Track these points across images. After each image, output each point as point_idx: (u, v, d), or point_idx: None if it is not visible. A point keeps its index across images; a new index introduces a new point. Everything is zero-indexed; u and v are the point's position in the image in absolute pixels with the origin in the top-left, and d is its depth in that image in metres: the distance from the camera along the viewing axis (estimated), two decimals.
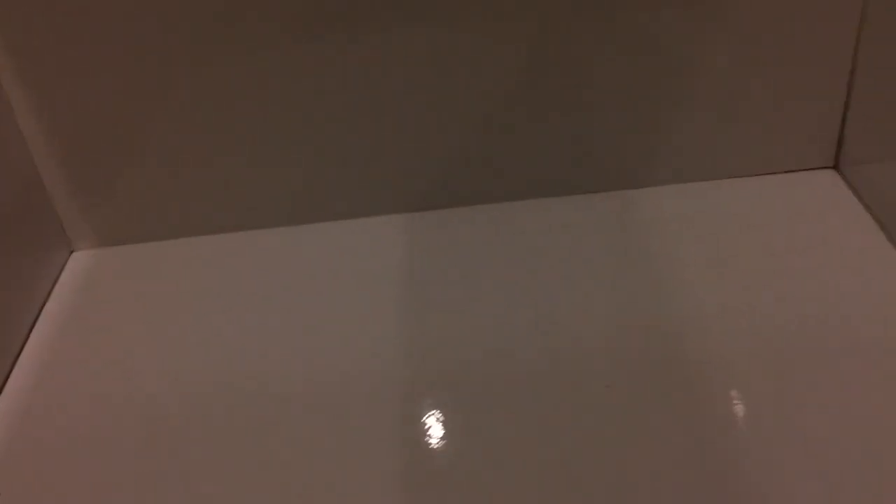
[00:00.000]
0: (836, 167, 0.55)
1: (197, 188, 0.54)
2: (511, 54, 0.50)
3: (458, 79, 0.51)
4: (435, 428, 0.41)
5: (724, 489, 0.37)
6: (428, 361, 0.45)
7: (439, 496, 0.38)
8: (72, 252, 0.55)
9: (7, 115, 0.49)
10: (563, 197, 0.55)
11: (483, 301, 0.48)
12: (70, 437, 0.43)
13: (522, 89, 0.51)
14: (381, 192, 0.55)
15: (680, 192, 0.54)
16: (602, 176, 0.55)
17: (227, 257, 0.54)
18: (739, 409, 0.41)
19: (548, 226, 0.53)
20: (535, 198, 0.55)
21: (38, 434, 0.43)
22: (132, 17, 0.47)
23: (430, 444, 0.41)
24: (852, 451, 0.38)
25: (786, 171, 0.54)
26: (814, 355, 0.43)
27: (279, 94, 0.50)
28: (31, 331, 0.49)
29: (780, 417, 0.40)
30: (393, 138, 0.53)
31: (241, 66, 0.49)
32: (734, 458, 0.38)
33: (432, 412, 0.42)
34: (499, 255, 0.51)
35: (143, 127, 0.51)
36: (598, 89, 0.51)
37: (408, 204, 0.55)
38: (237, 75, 0.50)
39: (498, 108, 0.52)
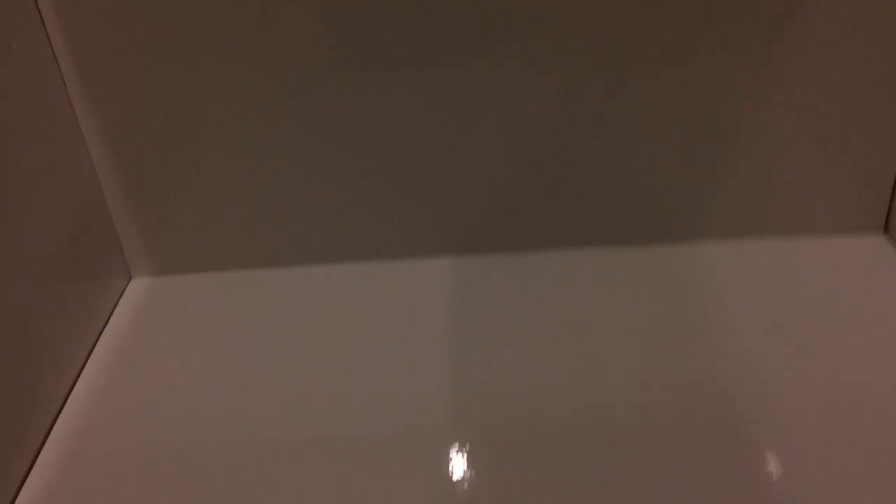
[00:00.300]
0: (886, 231, 0.55)
1: (255, 221, 0.56)
2: (561, 102, 0.51)
3: (507, 125, 0.52)
4: (467, 484, 0.42)
5: None
6: (464, 413, 0.46)
7: None
8: (131, 279, 0.58)
9: (79, 141, 0.52)
10: (608, 248, 0.56)
11: (523, 353, 0.49)
12: (119, 467, 0.44)
13: (573, 138, 0.52)
14: (427, 234, 0.56)
15: (726, 247, 0.55)
16: (650, 228, 0.55)
17: (280, 292, 0.55)
18: (779, 476, 0.41)
19: (592, 277, 0.54)
20: (580, 247, 0.56)
21: (91, 459, 0.45)
22: (198, 59, 0.49)
23: (462, 500, 0.41)
24: None
25: (834, 232, 0.55)
26: (856, 424, 0.43)
27: (332, 135, 0.52)
28: (89, 355, 0.51)
29: (820, 486, 0.40)
30: (440, 180, 0.54)
31: (297, 106, 0.51)
32: None
33: (466, 468, 0.42)
34: (542, 305, 0.52)
35: (205, 159, 0.53)
36: (649, 141, 0.52)
37: (452, 247, 0.57)
38: (292, 114, 0.51)
39: (546, 154, 0.53)
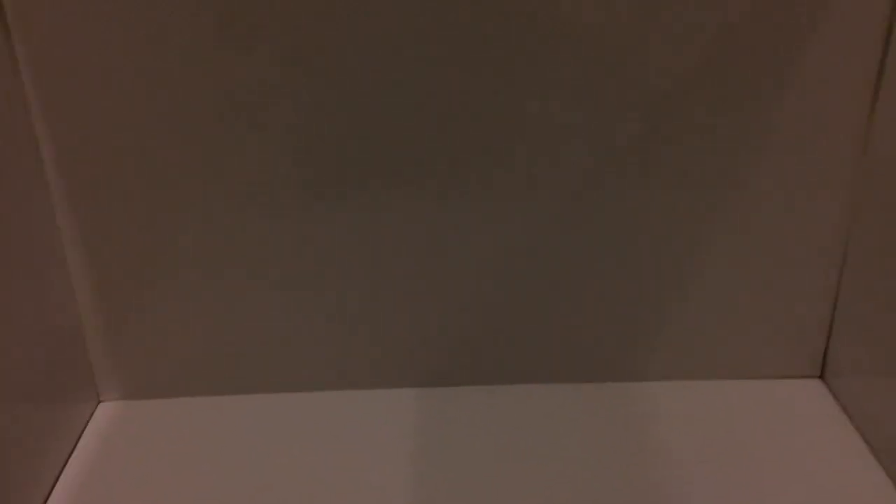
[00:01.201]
0: (822, 377, 0.58)
1: (228, 347, 0.57)
2: (522, 247, 0.54)
3: (472, 263, 0.55)
4: None
5: None
6: None
7: None
8: (99, 402, 0.59)
9: (61, 265, 0.53)
10: (565, 384, 0.58)
11: (483, 487, 0.51)
12: None
13: (533, 282, 0.56)
14: (388, 364, 0.58)
15: (668, 390, 0.58)
16: (603, 367, 0.58)
17: (249, 419, 0.57)
18: None
19: (549, 412, 0.56)
20: (539, 382, 0.59)
21: None
22: (177, 185, 0.52)
23: None
24: None
25: (774, 377, 0.58)
26: None
27: (304, 260, 0.54)
28: (56, 481, 0.52)
29: None
30: (407, 313, 0.57)
31: (271, 231, 0.53)
32: None
33: None
34: (500, 439, 0.54)
35: (179, 287, 0.55)
36: (601, 289, 0.55)
37: (420, 378, 0.59)
38: (267, 239, 0.54)
39: (508, 296, 0.56)
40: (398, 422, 0.56)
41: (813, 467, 0.51)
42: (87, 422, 0.57)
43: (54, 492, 0.51)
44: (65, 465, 0.53)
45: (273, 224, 0.53)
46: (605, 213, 0.53)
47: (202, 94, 0.49)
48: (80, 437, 0.56)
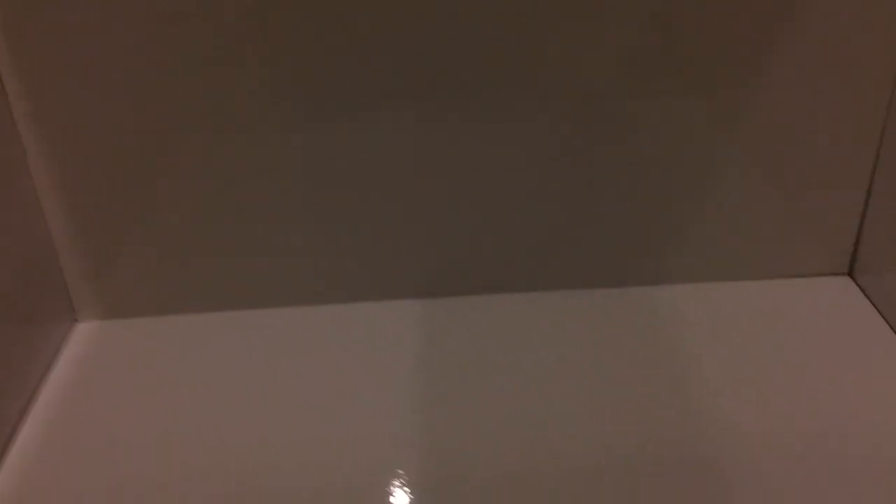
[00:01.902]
0: (850, 274, 0.55)
1: (208, 264, 0.53)
2: (532, 147, 0.50)
3: (477, 168, 0.51)
4: None
5: None
6: (434, 462, 0.43)
7: None
8: (76, 322, 0.54)
9: (28, 182, 0.49)
10: (578, 290, 0.55)
11: (498, 398, 0.47)
12: None
13: (541, 182, 0.52)
14: (394, 276, 0.54)
15: (695, 291, 0.54)
16: (618, 271, 0.55)
17: (235, 336, 0.53)
18: None
19: (564, 320, 0.53)
20: (551, 290, 0.55)
21: None
22: (153, 94, 0.47)
23: None
24: None
25: (800, 276, 0.55)
26: (831, 468, 0.42)
27: (292, 174, 0.50)
28: (31, 401, 0.48)
29: None
30: (408, 222, 0.53)
31: (254, 144, 0.49)
32: None
33: None
34: (512, 349, 0.51)
35: (156, 201, 0.51)
36: (618, 186, 0.52)
37: (421, 289, 0.55)
38: (251, 154, 0.49)
39: (516, 198, 0.52)
40: (400, 333, 0.52)
41: (845, 363, 0.48)
42: (64, 342, 0.52)
43: (29, 412, 0.47)
44: (40, 386, 0.49)
45: (264, 137, 0.49)
46: (621, 114, 0.49)
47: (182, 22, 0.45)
48: (55, 358, 0.51)
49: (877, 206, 0.52)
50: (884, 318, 0.51)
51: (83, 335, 0.53)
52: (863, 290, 0.54)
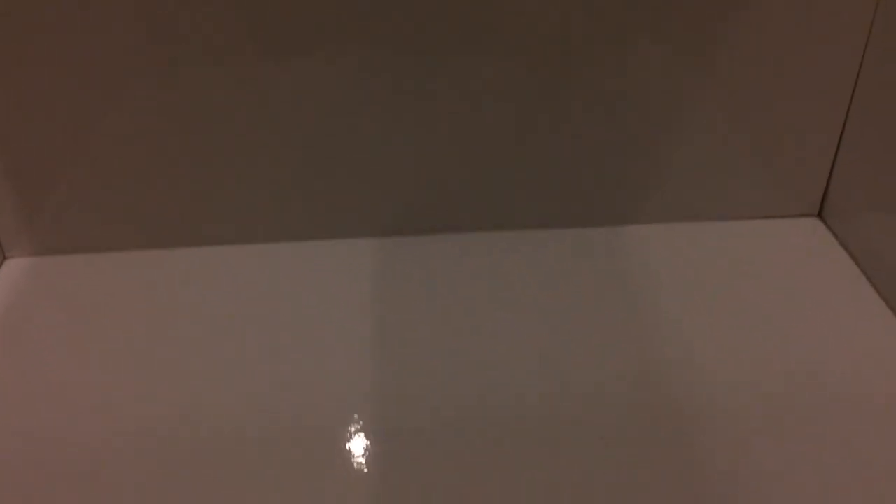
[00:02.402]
0: (819, 215, 0.54)
1: (149, 200, 0.49)
2: (498, 83, 0.47)
3: (439, 103, 0.48)
4: (395, 481, 0.37)
5: None
6: (392, 404, 0.41)
7: None
8: (5, 259, 0.50)
9: None
10: (544, 230, 0.53)
11: (457, 339, 0.45)
12: None
13: (507, 118, 0.49)
14: (353, 214, 0.51)
15: (665, 231, 0.53)
16: (585, 210, 0.53)
17: (177, 274, 0.49)
18: (732, 461, 0.38)
19: (528, 259, 0.51)
20: (516, 229, 0.53)
21: None
22: (86, 21, 0.43)
23: (394, 500, 0.37)
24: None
25: (770, 217, 0.53)
26: (801, 406, 0.41)
27: (241, 111, 0.47)
28: None
29: (773, 469, 0.38)
30: (366, 160, 0.50)
31: (201, 81, 0.46)
32: None
33: (392, 463, 0.38)
34: (475, 289, 0.48)
35: (90, 137, 0.47)
36: (585, 123, 0.49)
37: (381, 228, 0.52)
38: (197, 86, 0.46)
39: (481, 135, 0.49)
40: (355, 272, 0.49)
41: (813, 304, 0.47)
42: None
43: None
44: None
45: (204, 74, 0.45)
46: (588, 53, 0.47)
47: None
48: None
49: (848, 148, 0.51)
50: (853, 259, 0.50)
51: (12, 271, 0.49)
52: (832, 232, 0.52)
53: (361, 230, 0.52)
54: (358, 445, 0.39)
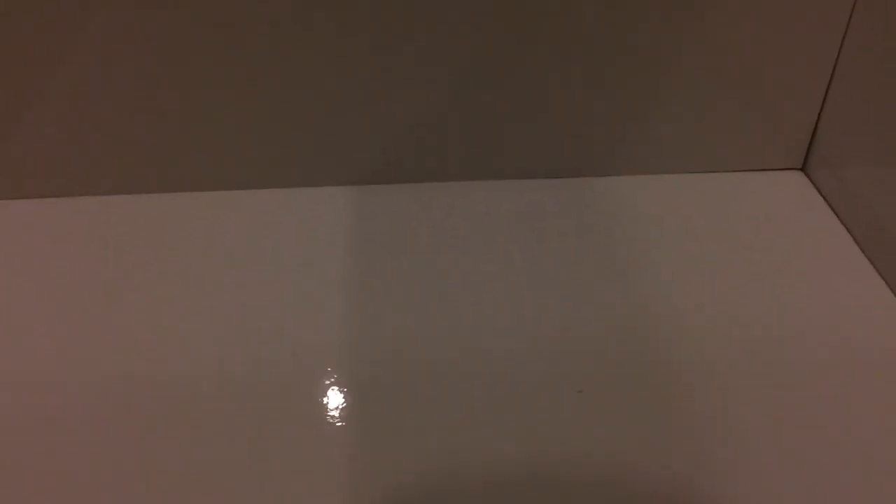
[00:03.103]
0: (803, 169, 0.53)
1: (113, 144, 0.48)
2: (475, 30, 0.46)
3: (416, 49, 0.46)
4: (373, 435, 0.37)
5: (704, 498, 0.34)
6: (367, 354, 0.41)
7: None
8: None
9: None
10: (526, 180, 0.52)
11: (435, 290, 0.44)
12: None
13: (485, 66, 0.48)
14: (328, 162, 0.50)
15: (647, 183, 0.52)
16: (567, 161, 0.52)
17: (147, 221, 0.48)
18: (713, 414, 0.38)
19: (509, 210, 0.50)
20: (495, 179, 0.52)
21: None
22: None
23: (368, 452, 0.36)
24: (830, 455, 0.36)
25: (754, 170, 0.53)
26: (783, 358, 0.41)
27: (211, 50, 0.45)
28: None
29: (754, 421, 0.38)
30: (341, 107, 0.48)
31: (172, 17, 0.44)
32: (710, 465, 0.35)
33: (370, 417, 0.38)
34: (454, 241, 0.47)
35: (52, 80, 0.45)
36: (568, 73, 0.48)
37: (359, 176, 0.51)
38: (167, 27, 0.44)
39: (460, 82, 0.48)
40: (337, 220, 0.49)
41: (796, 257, 0.47)
42: None
43: None
44: None
45: (175, 13, 0.44)
46: (574, 5, 0.45)
47: None
48: None
49: (833, 102, 0.50)
50: (835, 213, 0.50)
51: None
52: (815, 186, 0.52)
53: (338, 178, 0.51)
54: (331, 397, 0.38)
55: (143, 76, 0.46)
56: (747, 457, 0.36)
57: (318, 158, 0.50)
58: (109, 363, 0.40)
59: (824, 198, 0.51)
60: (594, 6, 0.46)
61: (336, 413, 0.38)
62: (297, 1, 0.44)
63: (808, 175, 0.53)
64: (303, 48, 0.46)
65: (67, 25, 0.43)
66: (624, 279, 0.45)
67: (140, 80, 0.46)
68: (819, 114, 0.51)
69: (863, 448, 0.36)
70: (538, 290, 0.44)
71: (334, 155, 0.50)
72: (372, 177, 0.51)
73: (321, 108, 0.48)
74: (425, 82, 0.48)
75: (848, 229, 0.49)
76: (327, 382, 0.39)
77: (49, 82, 0.45)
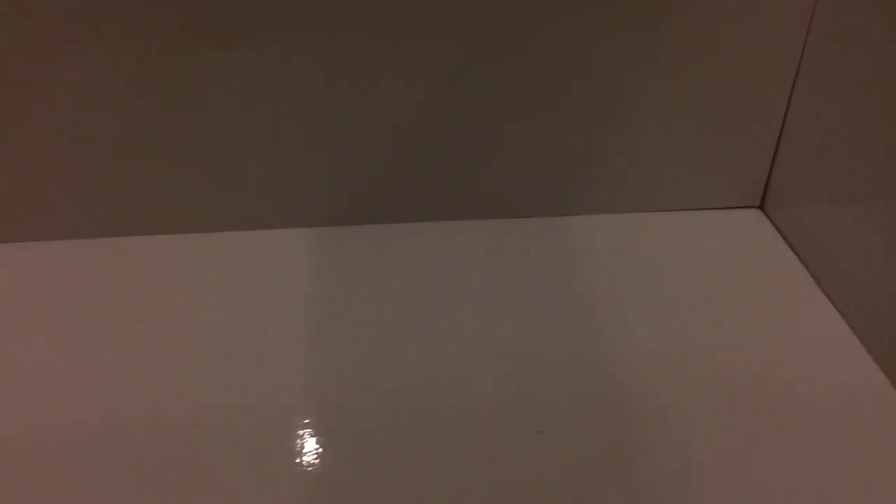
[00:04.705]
0: (761, 207, 0.54)
1: (80, 189, 0.48)
2: (438, 69, 0.47)
3: (377, 89, 0.47)
4: (337, 479, 0.36)
5: None
6: (327, 396, 0.40)
7: None
8: None
9: None
10: (486, 220, 0.52)
11: (397, 331, 0.44)
12: None
13: (448, 105, 0.48)
14: (290, 203, 0.50)
15: (607, 222, 0.52)
16: (526, 201, 0.52)
17: (110, 265, 0.48)
18: (674, 455, 0.38)
19: (472, 250, 0.50)
20: (455, 219, 0.52)
21: None
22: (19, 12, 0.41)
23: (330, 495, 0.36)
24: (789, 490, 0.36)
25: (712, 209, 0.54)
26: (741, 395, 0.41)
27: (175, 95, 0.45)
28: None
29: (715, 462, 0.37)
30: (304, 150, 0.48)
31: (140, 69, 0.44)
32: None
33: (327, 460, 0.37)
34: (417, 280, 0.48)
35: (25, 123, 0.45)
36: (526, 114, 0.49)
37: (319, 217, 0.51)
38: (136, 75, 0.44)
39: (421, 122, 0.49)
40: (299, 262, 0.48)
41: (754, 294, 0.47)
42: None
43: None
44: None
45: (143, 62, 0.44)
46: (528, 40, 0.46)
47: None
48: None
49: (789, 140, 0.51)
50: (793, 250, 0.51)
51: None
52: (773, 223, 0.53)
53: (300, 220, 0.51)
54: (296, 442, 0.38)
55: (109, 125, 0.46)
56: (709, 494, 0.36)
57: (279, 201, 0.50)
58: (64, 409, 0.39)
59: (782, 235, 0.52)
60: (554, 48, 0.46)
61: (301, 459, 0.37)
62: (251, 51, 0.44)
63: (765, 213, 0.54)
64: (263, 93, 0.46)
65: (40, 75, 0.44)
66: (584, 318, 0.45)
67: (107, 129, 0.46)
68: (775, 153, 0.52)
69: (820, 480, 0.37)
70: (499, 329, 0.44)
71: (296, 197, 0.50)
72: (334, 219, 0.51)
73: (282, 150, 0.48)
74: (385, 125, 0.48)
75: (805, 266, 0.49)
76: (288, 425, 0.39)
77: (15, 126, 0.45)
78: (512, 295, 0.47)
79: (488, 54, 0.46)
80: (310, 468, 0.36)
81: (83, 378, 0.41)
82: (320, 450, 0.37)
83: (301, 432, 0.38)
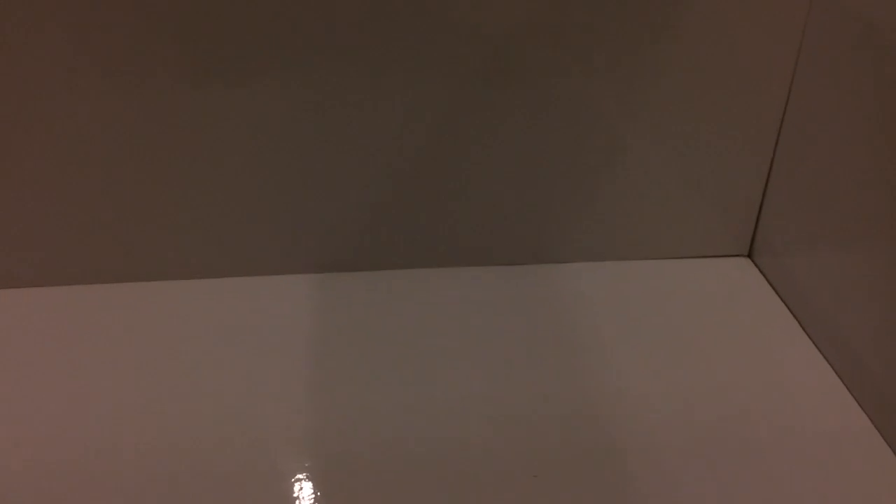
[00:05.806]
0: (749, 255, 0.55)
1: (76, 235, 0.49)
2: (427, 118, 0.48)
3: (375, 139, 0.48)
4: None
5: None
6: (324, 445, 0.41)
7: None
8: None
9: None
10: (478, 267, 0.53)
11: (394, 377, 0.45)
12: None
13: (443, 156, 0.50)
14: (289, 250, 0.51)
15: (597, 269, 0.53)
16: (516, 249, 0.53)
17: (108, 311, 0.49)
18: (663, 497, 0.39)
19: (464, 297, 0.51)
20: (450, 266, 0.53)
21: None
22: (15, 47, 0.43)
23: None
24: None
25: (701, 257, 0.55)
26: (731, 440, 0.42)
27: (174, 140, 0.47)
28: None
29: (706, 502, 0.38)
30: (304, 194, 0.50)
31: (134, 109, 0.46)
32: None
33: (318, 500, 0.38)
34: (409, 327, 0.48)
35: (21, 167, 0.46)
36: (515, 163, 0.50)
37: (319, 264, 0.52)
38: (131, 118, 0.46)
39: (416, 172, 0.50)
40: (298, 308, 0.49)
41: (743, 342, 0.48)
42: None
43: None
44: None
45: (142, 103, 0.45)
46: (518, 89, 0.48)
47: None
48: None
49: (776, 189, 0.52)
50: (781, 298, 0.52)
51: None
52: (761, 272, 0.54)
53: (299, 266, 0.52)
54: (294, 486, 0.38)
55: (105, 170, 0.47)
56: None
57: (278, 247, 0.51)
58: (63, 453, 0.40)
59: (770, 283, 0.53)
60: (541, 97, 0.48)
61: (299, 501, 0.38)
62: (251, 95, 0.46)
63: (753, 261, 0.55)
64: (260, 138, 0.47)
65: (33, 116, 0.45)
66: (575, 364, 0.46)
67: (102, 174, 0.47)
68: (761, 203, 0.54)
69: None
70: (493, 375, 0.45)
71: (294, 244, 0.51)
72: (332, 265, 0.52)
73: (280, 198, 0.49)
74: (378, 174, 0.49)
75: (793, 313, 0.51)
76: (288, 471, 0.39)
77: (13, 171, 0.47)
78: (505, 341, 0.48)
79: (475, 103, 0.48)
80: None
81: (78, 423, 0.41)
82: (318, 493, 0.38)
83: (299, 476, 0.39)
